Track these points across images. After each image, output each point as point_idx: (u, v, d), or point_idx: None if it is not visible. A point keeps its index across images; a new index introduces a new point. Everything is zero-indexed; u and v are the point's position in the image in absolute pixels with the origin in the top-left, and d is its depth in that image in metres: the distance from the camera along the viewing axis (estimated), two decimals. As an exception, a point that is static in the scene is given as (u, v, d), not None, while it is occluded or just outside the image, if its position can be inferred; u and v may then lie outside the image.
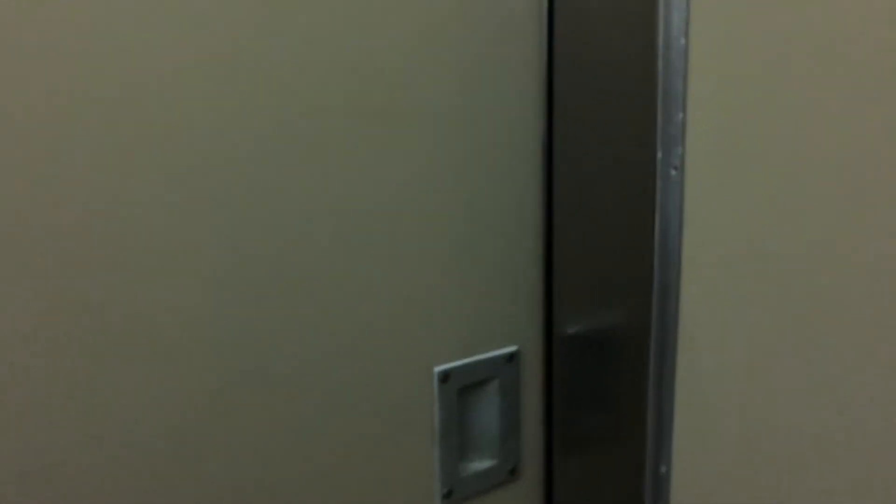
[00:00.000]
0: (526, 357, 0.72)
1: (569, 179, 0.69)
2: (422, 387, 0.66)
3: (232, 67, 0.52)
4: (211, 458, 0.55)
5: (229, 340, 0.55)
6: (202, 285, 0.53)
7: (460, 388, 0.68)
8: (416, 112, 0.61)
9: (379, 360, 0.63)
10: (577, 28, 0.67)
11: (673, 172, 0.60)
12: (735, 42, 0.56)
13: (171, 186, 0.51)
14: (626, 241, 0.66)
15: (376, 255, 0.61)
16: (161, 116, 0.50)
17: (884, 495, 0.52)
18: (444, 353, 0.67)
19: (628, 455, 0.67)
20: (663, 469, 0.65)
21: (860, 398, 0.52)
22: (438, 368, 0.66)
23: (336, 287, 0.59)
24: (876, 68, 0.49)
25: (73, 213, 0.47)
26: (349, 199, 0.59)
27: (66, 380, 0.48)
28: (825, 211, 0.52)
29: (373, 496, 0.64)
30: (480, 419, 0.71)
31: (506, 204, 0.69)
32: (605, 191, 0.66)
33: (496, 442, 0.71)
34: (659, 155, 0.60)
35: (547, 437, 0.75)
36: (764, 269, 0.57)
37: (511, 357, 0.71)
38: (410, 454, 0.66)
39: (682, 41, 0.58)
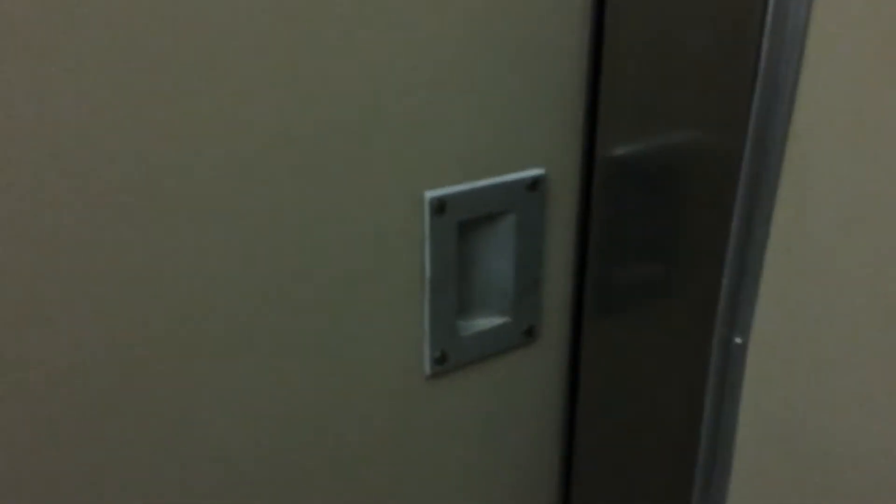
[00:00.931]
0: (555, 185, 0.53)
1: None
2: (408, 217, 0.47)
3: None
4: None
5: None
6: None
7: (463, 223, 0.49)
8: None
9: (348, 177, 0.44)
10: None
11: None
12: None
13: None
14: (716, 8, 0.44)
15: (345, 21, 0.41)
16: None
17: None
18: (439, 172, 0.47)
19: (690, 319, 0.50)
20: (738, 339, 0.47)
21: None
22: (431, 193, 0.47)
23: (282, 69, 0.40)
24: None
25: None
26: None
27: None
28: None
29: (344, 356, 0.48)
30: (489, 264, 0.53)
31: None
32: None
33: (509, 295, 0.54)
34: None
35: (577, 291, 0.58)
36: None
37: (534, 183, 0.51)
38: (392, 307, 0.49)
39: None
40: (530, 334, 0.56)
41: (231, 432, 0.46)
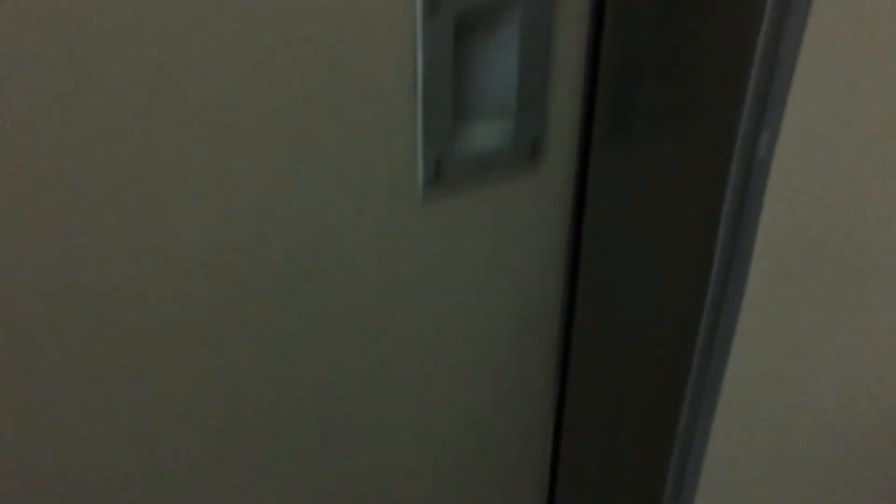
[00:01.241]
0: (566, -20, 0.47)
1: None
2: (396, 14, 0.42)
3: None
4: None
5: None
6: None
7: (459, 22, 0.44)
8: None
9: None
10: None
11: None
12: None
13: None
14: None
15: None
16: None
17: None
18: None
19: (710, 135, 0.45)
20: (765, 137, 0.42)
21: None
22: (421, -21, 0.42)
23: None
24: None
25: None
26: None
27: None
28: None
29: (331, 162, 0.45)
30: (490, 69, 0.48)
31: None
32: None
33: (511, 104, 0.49)
34: None
35: (587, 106, 0.53)
36: None
37: (543, -23, 0.46)
38: (382, 110, 0.45)
39: None
40: (534, 153, 0.52)
41: (208, 236, 0.43)
